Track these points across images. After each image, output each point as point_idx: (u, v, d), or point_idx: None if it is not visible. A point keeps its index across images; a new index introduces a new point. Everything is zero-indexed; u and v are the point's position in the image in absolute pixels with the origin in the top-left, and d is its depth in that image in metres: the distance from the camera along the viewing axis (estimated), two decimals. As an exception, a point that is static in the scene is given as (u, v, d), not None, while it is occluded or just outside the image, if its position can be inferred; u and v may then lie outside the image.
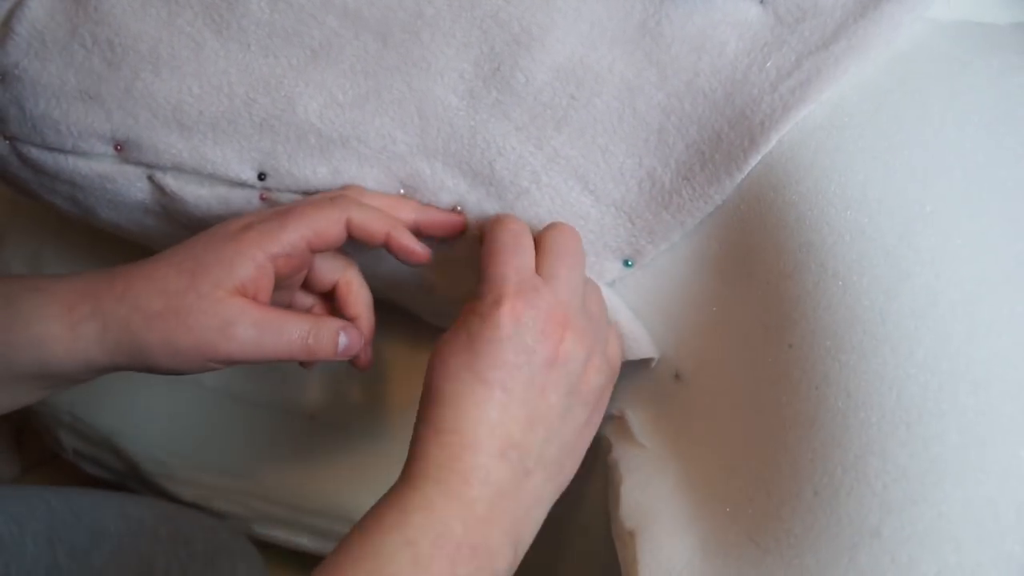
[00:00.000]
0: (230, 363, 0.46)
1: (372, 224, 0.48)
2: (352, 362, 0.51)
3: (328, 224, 0.47)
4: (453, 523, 0.40)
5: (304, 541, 0.72)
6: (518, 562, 0.43)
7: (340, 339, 0.48)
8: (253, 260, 0.45)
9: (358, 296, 0.51)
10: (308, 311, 0.52)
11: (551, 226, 0.48)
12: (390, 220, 0.49)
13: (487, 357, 0.43)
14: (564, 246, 0.47)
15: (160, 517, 0.66)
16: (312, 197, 0.49)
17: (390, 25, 0.49)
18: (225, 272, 0.45)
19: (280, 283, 0.48)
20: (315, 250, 0.47)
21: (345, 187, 0.51)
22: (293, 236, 0.46)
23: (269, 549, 0.74)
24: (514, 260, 0.45)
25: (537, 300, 0.44)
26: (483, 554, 0.41)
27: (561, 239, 0.47)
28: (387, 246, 0.49)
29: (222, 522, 0.72)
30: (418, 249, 0.49)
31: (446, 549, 0.39)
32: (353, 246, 0.49)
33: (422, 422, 0.43)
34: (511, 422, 0.43)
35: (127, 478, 0.74)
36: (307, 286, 0.51)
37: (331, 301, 0.52)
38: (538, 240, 0.47)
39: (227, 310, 0.45)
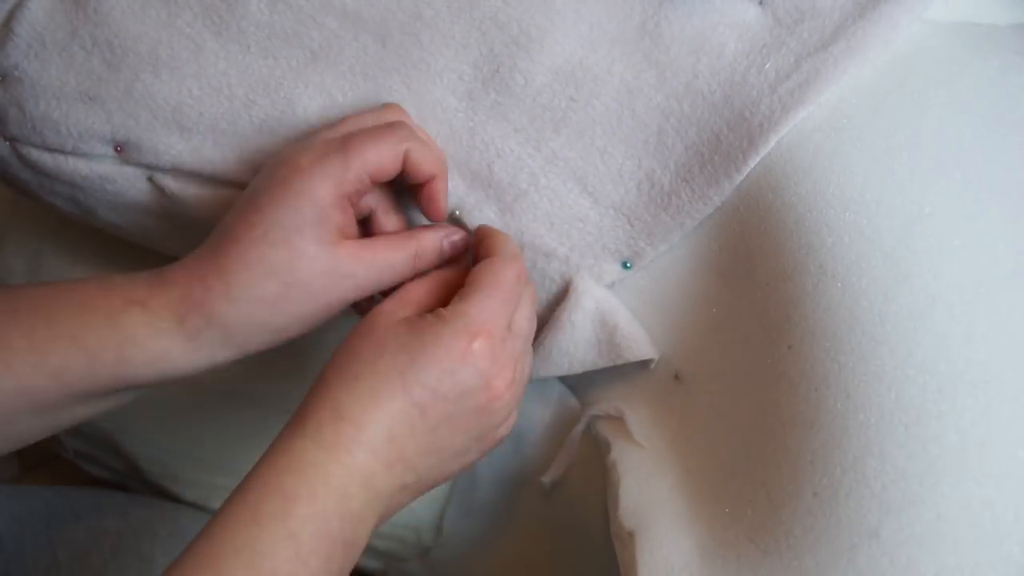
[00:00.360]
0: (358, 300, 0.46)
1: (425, 163, 0.46)
2: (431, 216, 0.49)
3: (389, 159, 0.45)
4: (333, 519, 0.39)
5: (304, 541, 0.72)
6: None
7: (443, 244, 0.48)
8: (340, 208, 0.44)
9: (426, 162, 0.47)
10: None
11: (484, 271, 0.46)
12: (441, 163, 0.48)
13: (426, 377, 0.41)
14: (511, 288, 0.46)
15: (160, 516, 0.66)
16: (366, 120, 0.48)
17: (389, 26, 0.49)
18: (318, 230, 0.44)
19: (358, 213, 0.47)
20: (376, 182, 0.46)
21: (387, 107, 0.49)
22: (359, 174, 0.44)
23: (269, 549, 0.73)
24: (505, 304, 0.45)
25: (501, 353, 0.43)
26: (352, 550, 0.40)
27: (506, 280, 0.46)
28: (423, 188, 0.48)
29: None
30: (443, 205, 0.48)
31: (325, 544, 0.39)
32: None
33: (325, 390, 0.42)
34: (412, 443, 0.42)
35: (127, 478, 0.74)
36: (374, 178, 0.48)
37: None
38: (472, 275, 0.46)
39: (342, 264, 0.44)
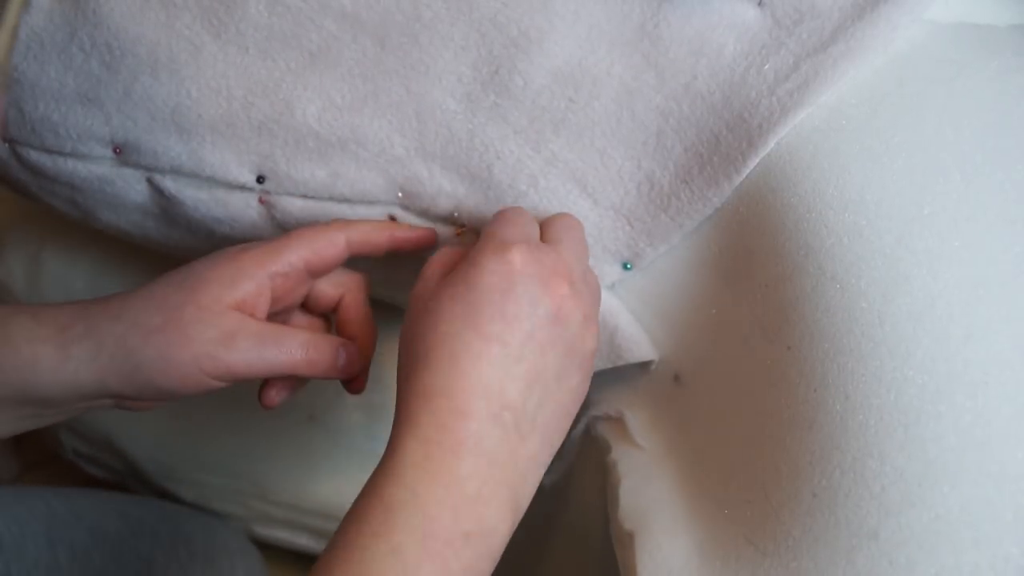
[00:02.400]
0: (229, 377, 0.45)
1: (372, 235, 0.48)
2: (346, 385, 0.49)
3: (327, 244, 0.47)
4: (442, 514, 0.37)
5: (304, 541, 0.72)
6: (516, 525, 0.41)
7: (340, 354, 0.47)
8: (252, 278, 0.45)
9: (358, 317, 0.50)
10: None
11: (557, 215, 0.48)
12: (387, 225, 0.49)
13: (487, 308, 0.40)
14: (569, 223, 0.46)
15: (160, 517, 0.66)
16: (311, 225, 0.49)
17: (388, 28, 0.49)
18: (225, 288, 0.45)
19: (278, 303, 0.47)
20: (313, 272, 0.47)
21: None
22: (292, 256, 0.46)
23: (269, 549, 0.74)
24: (520, 226, 0.44)
25: (542, 255, 0.42)
26: (477, 538, 0.38)
27: (566, 219, 0.47)
28: (395, 248, 0.49)
29: (222, 522, 0.72)
30: (424, 234, 0.50)
31: (435, 547, 0.36)
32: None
33: (409, 388, 0.40)
34: (508, 381, 0.39)
35: (127, 478, 0.74)
36: (308, 307, 0.51)
37: (329, 323, 0.52)
38: (543, 225, 0.47)
39: (227, 321, 0.44)
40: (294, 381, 0.50)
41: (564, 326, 0.42)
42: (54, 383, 0.44)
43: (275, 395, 0.49)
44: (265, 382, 0.49)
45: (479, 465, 0.38)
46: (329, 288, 0.50)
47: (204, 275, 0.45)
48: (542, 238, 0.45)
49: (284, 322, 0.51)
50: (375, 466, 0.63)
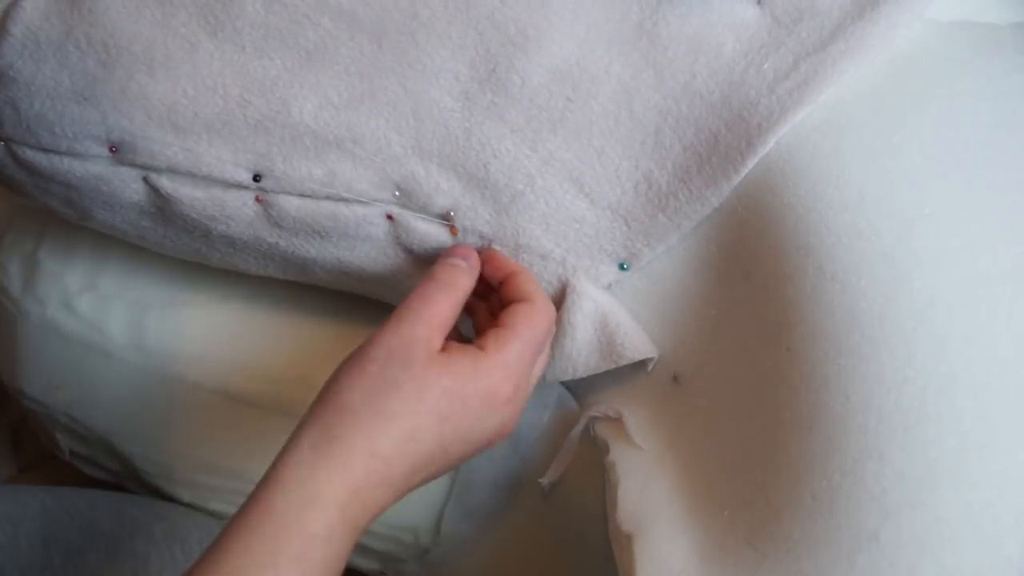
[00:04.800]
0: None
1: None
2: None
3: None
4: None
5: (301, 542, 0.72)
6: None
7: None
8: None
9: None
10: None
11: (509, 326, 0.47)
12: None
13: (461, 423, 0.43)
14: (535, 320, 0.47)
15: (155, 516, 0.66)
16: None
17: (385, 26, 0.49)
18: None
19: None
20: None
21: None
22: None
23: (267, 550, 0.73)
24: (542, 354, 0.48)
25: (524, 394, 0.47)
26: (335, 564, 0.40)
27: (534, 317, 0.47)
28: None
29: (219, 522, 0.72)
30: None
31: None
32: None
33: (355, 420, 0.42)
34: (423, 471, 0.43)
35: (124, 479, 0.74)
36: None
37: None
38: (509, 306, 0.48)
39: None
40: None
41: (491, 436, 0.46)
42: None
43: None
44: None
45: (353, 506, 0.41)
46: None
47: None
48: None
49: None
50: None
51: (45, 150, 0.52)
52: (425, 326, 0.44)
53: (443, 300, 0.45)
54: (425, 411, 0.42)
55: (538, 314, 0.47)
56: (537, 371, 0.48)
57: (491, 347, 0.45)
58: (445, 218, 0.51)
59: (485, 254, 0.51)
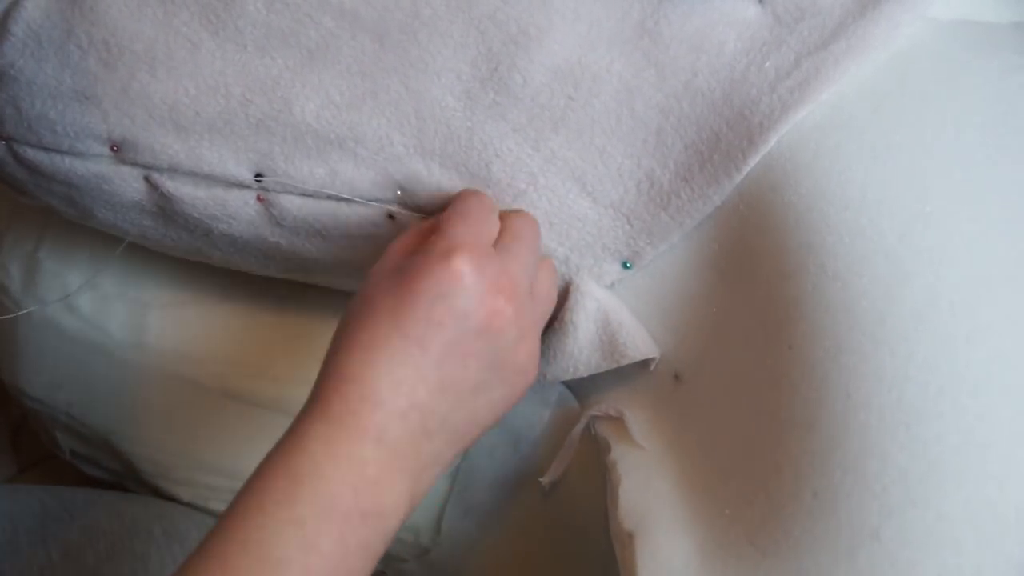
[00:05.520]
0: None
1: None
2: None
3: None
4: (343, 491, 0.38)
5: (302, 541, 0.72)
6: (412, 511, 0.42)
7: None
8: None
9: None
10: None
11: (515, 211, 0.49)
12: None
13: (415, 310, 0.40)
14: (524, 228, 0.47)
15: (154, 515, 0.66)
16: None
17: (387, 25, 0.49)
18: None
19: None
20: None
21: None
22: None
23: (267, 549, 0.73)
24: (476, 225, 0.45)
25: (486, 264, 0.42)
26: (373, 519, 0.39)
27: (522, 222, 0.47)
28: None
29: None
30: None
31: (335, 522, 0.37)
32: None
33: (327, 366, 0.41)
34: (420, 383, 0.40)
35: (125, 479, 0.73)
36: None
37: None
38: (501, 222, 0.47)
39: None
40: None
41: (492, 341, 0.42)
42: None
43: None
44: None
45: (380, 453, 0.39)
46: None
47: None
48: (497, 239, 0.46)
49: None
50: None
51: (46, 149, 0.52)
52: (375, 265, 0.45)
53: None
54: (377, 318, 0.42)
55: (462, 193, 0.48)
56: (520, 262, 0.45)
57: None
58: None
59: None
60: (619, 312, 0.50)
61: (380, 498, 0.39)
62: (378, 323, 0.41)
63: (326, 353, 0.42)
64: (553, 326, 0.51)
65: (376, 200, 0.51)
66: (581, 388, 0.57)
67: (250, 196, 0.51)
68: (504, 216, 0.47)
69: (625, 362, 0.51)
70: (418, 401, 0.40)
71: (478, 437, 0.45)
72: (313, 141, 0.50)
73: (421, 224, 0.47)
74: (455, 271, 0.41)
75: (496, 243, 0.45)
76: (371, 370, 0.40)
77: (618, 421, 0.53)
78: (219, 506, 0.71)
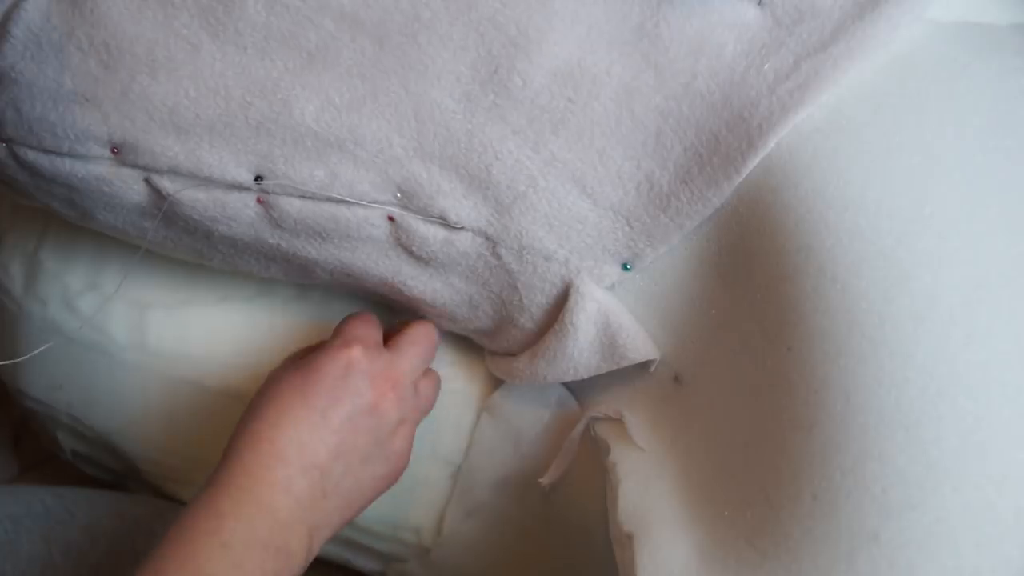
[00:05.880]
0: None
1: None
2: None
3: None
4: (260, 526, 0.45)
5: (302, 541, 0.72)
6: (311, 558, 0.48)
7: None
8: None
9: None
10: None
11: (416, 320, 0.57)
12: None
13: (318, 385, 0.49)
14: (416, 337, 0.55)
15: (156, 515, 0.66)
16: None
17: (387, 28, 0.49)
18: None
19: None
20: None
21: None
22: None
23: (268, 550, 0.73)
24: (366, 328, 0.54)
25: (377, 358, 0.51)
26: (284, 555, 0.46)
27: (417, 329, 0.56)
28: None
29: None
30: None
31: (256, 549, 0.45)
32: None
33: (243, 429, 0.49)
34: (320, 445, 0.48)
35: (125, 479, 0.74)
36: None
37: None
38: (397, 332, 0.56)
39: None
40: None
41: (379, 420, 0.51)
42: None
43: None
44: None
45: (288, 501, 0.47)
46: None
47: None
48: (392, 341, 0.54)
49: None
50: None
51: (47, 151, 0.52)
52: (284, 360, 0.55)
53: None
54: (285, 391, 0.50)
55: (418, 322, 0.57)
56: (405, 364, 0.54)
57: None
58: (445, 222, 0.51)
59: None
60: (619, 314, 0.50)
61: (289, 540, 0.46)
62: (286, 395, 0.49)
63: (239, 420, 0.50)
64: (553, 328, 0.52)
65: (376, 202, 0.51)
66: (581, 389, 0.57)
67: (250, 198, 0.51)
68: (404, 324, 0.56)
69: (625, 364, 0.51)
70: (318, 462, 0.48)
71: (360, 510, 0.52)
72: (313, 143, 0.50)
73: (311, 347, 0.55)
74: (353, 357, 0.51)
75: (389, 344, 0.54)
76: (280, 432, 0.48)
77: (618, 422, 0.53)
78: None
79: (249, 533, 0.45)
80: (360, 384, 0.50)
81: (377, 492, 0.53)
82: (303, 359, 0.51)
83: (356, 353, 0.51)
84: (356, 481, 0.50)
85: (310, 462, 0.48)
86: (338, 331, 0.53)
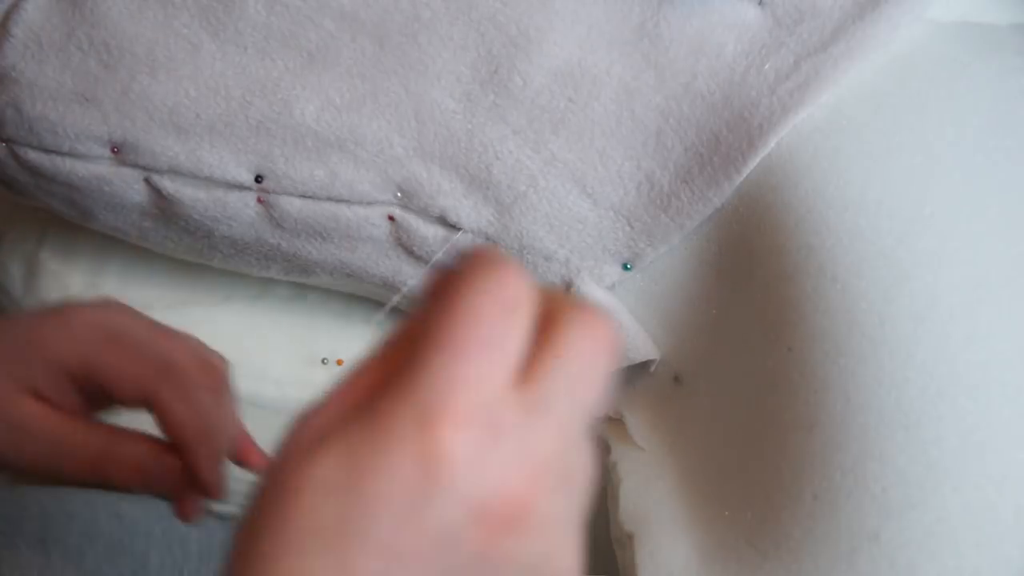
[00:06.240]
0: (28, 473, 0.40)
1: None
2: (176, 510, 0.43)
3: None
4: None
5: (302, 542, 0.72)
6: None
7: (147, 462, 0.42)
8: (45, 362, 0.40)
9: (178, 419, 0.41)
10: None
11: (580, 304, 0.26)
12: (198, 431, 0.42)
13: (368, 533, 0.23)
14: (593, 344, 0.25)
15: (155, 516, 0.66)
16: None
17: (387, 28, 0.49)
18: (21, 368, 0.39)
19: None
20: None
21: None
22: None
23: (267, 550, 0.73)
24: (481, 356, 0.23)
25: (495, 450, 0.23)
26: None
27: (585, 334, 0.25)
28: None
29: (219, 522, 0.72)
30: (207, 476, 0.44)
31: None
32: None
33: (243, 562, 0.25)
34: None
35: (125, 479, 0.73)
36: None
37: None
38: (549, 315, 0.25)
39: (16, 413, 0.40)
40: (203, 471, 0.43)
41: (507, 563, 0.24)
42: None
43: (185, 509, 0.45)
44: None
45: None
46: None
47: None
48: (536, 357, 0.24)
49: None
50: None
51: (47, 151, 0.52)
52: (299, 426, 0.25)
53: None
54: (310, 540, 0.23)
55: (461, 289, 0.24)
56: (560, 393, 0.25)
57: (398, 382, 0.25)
58: (446, 222, 0.51)
59: None
60: (619, 314, 0.50)
61: None
62: (308, 550, 0.23)
63: (240, 534, 0.25)
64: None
65: (376, 202, 0.51)
66: (581, 389, 0.57)
67: (250, 198, 0.51)
68: (554, 314, 0.25)
69: (625, 364, 0.51)
70: None
71: None
72: (313, 143, 0.50)
73: (385, 341, 0.26)
74: (439, 455, 0.22)
75: (533, 366, 0.24)
76: None
77: (618, 422, 0.53)
78: (219, 506, 0.71)
79: None
80: (455, 512, 0.23)
81: None
82: (348, 447, 0.23)
83: (446, 444, 0.22)
84: None
85: None
86: (420, 357, 0.23)
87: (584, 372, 0.25)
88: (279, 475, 0.24)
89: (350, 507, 0.23)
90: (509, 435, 0.23)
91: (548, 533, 0.24)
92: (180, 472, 0.41)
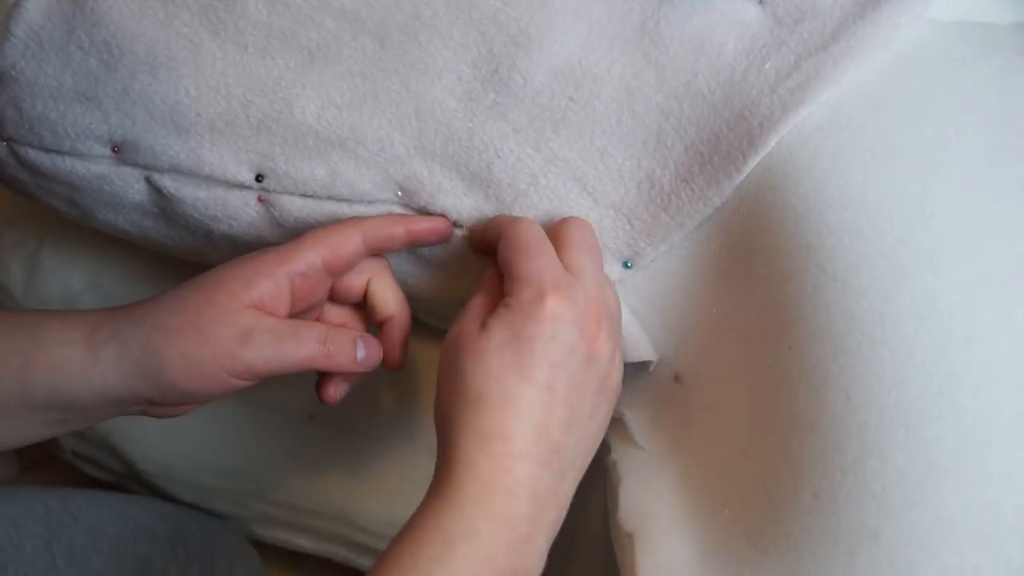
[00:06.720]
0: (250, 375, 0.45)
1: (387, 228, 0.49)
2: (384, 363, 0.50)
3: (343, 240, 0.48)
4: (497, 548, 0.39)
5: (303, 542, 0.72)
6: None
7: (359, 347, 0.48)
8: (270, 277, 0.46)
9: (385, 299, 0.51)
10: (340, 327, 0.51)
11: (565, 220, 0.48)
12: (401, 218, 0.50)
13: (534, 355, 0.41)
14: (583, 239, 0.47)
15: (158, 517, 0.66)
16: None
17: (388, 27, 0.49)
18: (242, 287, 0.45)
19: (301, 302, 0.48)
20: (332, 270, 0.48)
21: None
22: (309, 255, 0.47)
23: (268, 549, 0.73)
24: (543, 257, 0.44)
25: (575, 296, 0.43)
26: (522, 574, 0.40)
27: (579, 232, 0.47)
28: (412, 240, 0.50)
29: (221, 522, 0.72)
30: (438, 223, 0.50)
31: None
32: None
33: (462, 427, 0.41)
34: (554, 424, 0.42)
35: (126, 479, 0.74)
36: (337, 299, 0.52)
37: (363, 313, 0.53)
38: (554, 236, 0.47)
39: (244, 319, 0.45)
40: (349, 375, 0.51)
41: (596, 365, 0.44)
42: (84, 386, 0.44)
43: (333, 391, 0.51)
44: (321, 377, 0.51)
45: (531, 507, 0.40)
46: (353, 277, 0.50)
47: (223, 276, 0.46)
48: (562, 259, 0.45)
49: (317, 318, 0.51)
50: (374, 467, 0.63)
51: (47, 150, 0.52)
52: (461, 320, 0.45)
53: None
54: (498, 371, 0.42)
55: (508, 231, 0.46)
56: (585, 269, 0.45)
57: (504, 289, 0.45)
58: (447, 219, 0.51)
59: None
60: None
61: (529, 554, 0.40)
62: (504, 377, 0.41)
63: (443, 412, 0.43)
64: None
65: (377, 200, 0.51)
66: (581, 389, 0.57)
67: (251, 197, 0.51)
68: (556, 232, 0.47)
69: (624, 363, 0.51)
70: (556, 444, 0.42)
71: (587, 466, 0.45)
72: (314, 142, 0.50)
73: (483, 273, 0.48)
74: (554, 312, 0.42)
75: (563, 262, 0.45)
76: (513, 424, 0.41)
77: (618, 422, 0.53)
78: (221, 506, 0.71)
79: (483, 561, 0.38)
80: (572, 338, 0.42)
81: (601, 436, 0.46)
82: (497, 323, 0.43)
83: (555, 303, 0.42)
84: (586, 440, 0.44)
85: (549, 447, 0.41)
86: (515, 273, 0.44)
87: (587, 245, 0.47)
88: (462, 349, 0.43)
89: (519, 349, 0.42)
90: (576, 292, 0.43)
91: (612, 343, 0.45)
92: (377, 353, 0.50)
